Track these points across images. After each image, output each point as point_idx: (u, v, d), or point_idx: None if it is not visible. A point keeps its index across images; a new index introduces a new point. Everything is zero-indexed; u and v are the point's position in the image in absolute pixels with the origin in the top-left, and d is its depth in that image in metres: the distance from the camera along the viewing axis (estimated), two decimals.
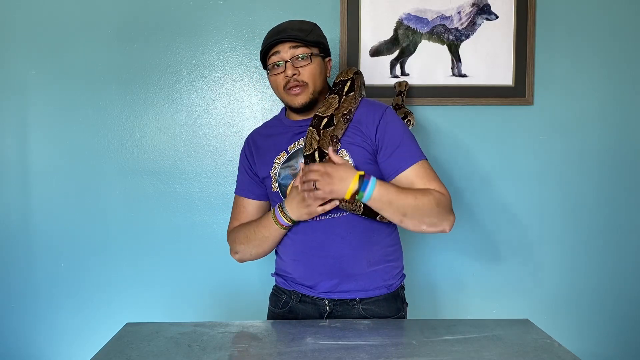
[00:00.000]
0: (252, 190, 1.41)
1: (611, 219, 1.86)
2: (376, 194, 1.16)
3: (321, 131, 1.25)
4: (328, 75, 1.37)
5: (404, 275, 1.39)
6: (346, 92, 1.30)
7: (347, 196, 1.16)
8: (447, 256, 1.87)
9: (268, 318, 1.43)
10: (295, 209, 1.24)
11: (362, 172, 1.17)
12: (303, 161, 1.27)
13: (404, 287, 1.40)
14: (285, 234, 1.32)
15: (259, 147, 1.40)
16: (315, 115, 1.27)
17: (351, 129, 1.29)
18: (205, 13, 1.81)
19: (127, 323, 1.22)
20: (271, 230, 1.30)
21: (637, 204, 1.86)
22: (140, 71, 1.83)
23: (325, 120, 1.26)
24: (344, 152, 1.27)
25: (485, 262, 1.87)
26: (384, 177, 1.27)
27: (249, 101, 1.84)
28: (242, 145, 1.86)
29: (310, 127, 1.27)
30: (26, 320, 1.89)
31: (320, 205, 1.21)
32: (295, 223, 1.28)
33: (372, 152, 1.27)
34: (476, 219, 1.85)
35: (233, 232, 1.40)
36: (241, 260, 1.41)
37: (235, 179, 1.47)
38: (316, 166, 1.18)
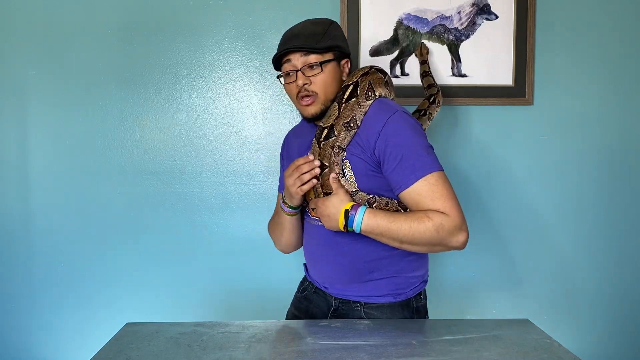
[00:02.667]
0: None
1: (611, 219, 1.86)
2: (366, 227, 1.16)
3: (322, 143, 1.22)
4: (344, 77, 1.31)
5: (423, 284, 1.34)
6: (346, 99, 1.23)
7: (342, 229, 1.18)
8: (446, 256, 1.87)
9: (292, 301, 1.48)
10: (286, 193, 1.30)
11: (348, 206, 1.17)
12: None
13: (421, 298, 1.35)
14: (300, 221, 1.39)
15: (289, 150, 1.45)
16: (318, 127, 1.25)
17: (355, 137, 1.24)
18: (205, 13, 1.81)
19: (127, 323, 1.22)
20: (281, 217, 1.38)
21: (637, 203, 1.86)
22: (140, 71, 1.83)
23: (325, 131, 1.22)
24: (347, 162, 1.24)
25: (485, 262, 1.87)
26: (391, 189, 1.23)
27: (249, 101, 1.84)
28: (242, 146, 1.87)
29: (314, 139, 1.25)
30: (26, 320, 1.89)
31: (299, 186, 1.24)
32: (297, 208, 1.33)
33: (373, 163, 1.22)
34: (475, 219, 1.85)
35: (269, 224, 1.50)
36: (283, 251, 1.49)
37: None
38: (311, 204, 1.26)
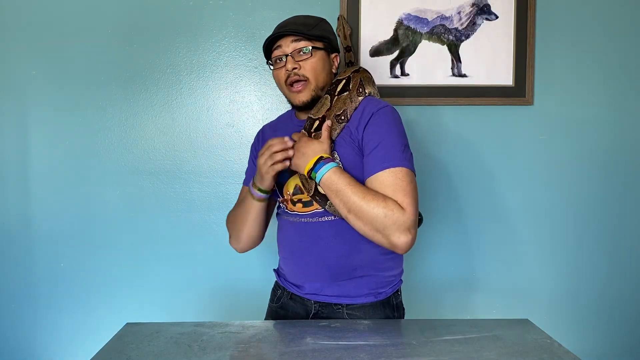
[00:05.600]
0: None
1: (611, 219, 1.86)
2: (326, 179, 1.16)
3: (312, 134, 1.23)
4: (334, 71, 1.34)
5: (400, 282, 1.35)
6: (339, 92, 1.25)
7: (305, 172, 1.19)
8: (446, 256, 1.87)
9: (267, 312, 1.44)
10: (257, 175, 1.26)
11: (327, 155, 1.19)
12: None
13: (399, 294, 1.36)
14: (265, 214, 1.35)
15: (265, 142, 1.40)
16: (308, 118, 1.26)
17: (345, 129, 1.26)
18: (205, 13, 1.81)
19: (127, 323, 1.22)
20: (247, 203, 1.32)
21: (636, 203, 1.86)
22: (140, 71, 1.83)
23: (317, 123, 1.23)
24: (335, 154, 1.24)
25: (485, 261, 1.87)
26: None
27: (249, 101, 1.84)
28: (242, 145, 1.87)
29: (303, 130, 1.25)
30: (26, 320, 1.89)
31: (271, 165, 1.22)
32: (266, 193, 1.29)
33: (361, 154, 1.23)
34: (475, 218, 1.85)
35: (227, 216, 1.44)
36: (238, 247, 1.41)
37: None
38: (296, 136, 1.24)
